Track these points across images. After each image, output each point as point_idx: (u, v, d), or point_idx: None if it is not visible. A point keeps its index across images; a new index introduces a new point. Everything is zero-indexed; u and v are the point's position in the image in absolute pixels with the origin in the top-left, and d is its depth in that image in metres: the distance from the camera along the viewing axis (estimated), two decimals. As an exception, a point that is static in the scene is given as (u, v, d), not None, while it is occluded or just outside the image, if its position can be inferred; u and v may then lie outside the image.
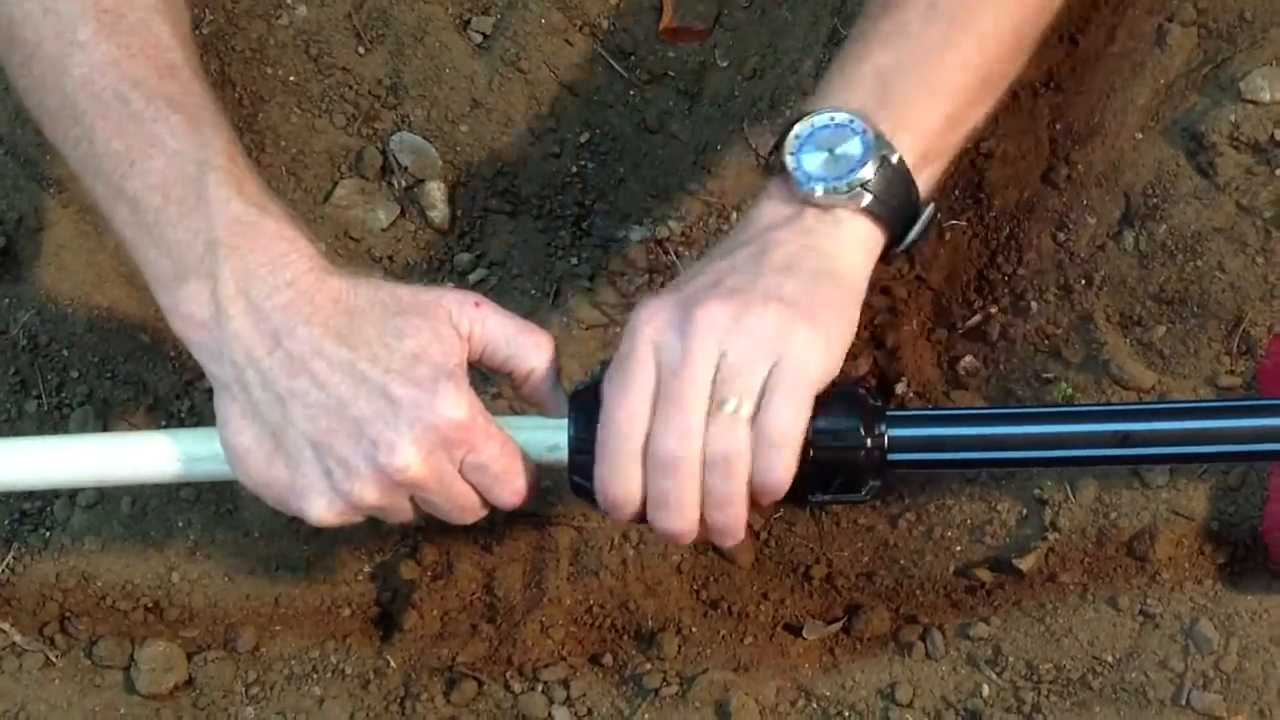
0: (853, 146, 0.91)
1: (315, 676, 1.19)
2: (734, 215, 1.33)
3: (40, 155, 1.33)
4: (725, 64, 1.35)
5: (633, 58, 1.37)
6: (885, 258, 0.96)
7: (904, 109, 0.94)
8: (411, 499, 0.92)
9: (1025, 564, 1.19)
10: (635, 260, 1.34)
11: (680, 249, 1.33)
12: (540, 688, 1.18)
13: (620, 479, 0.89)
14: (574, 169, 1.36)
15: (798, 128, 0.93)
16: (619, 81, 1.36)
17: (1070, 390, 1.23)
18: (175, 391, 1.30)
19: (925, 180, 0.96)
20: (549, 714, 1.17)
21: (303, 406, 0.88)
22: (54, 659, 1.19)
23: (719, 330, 0.86)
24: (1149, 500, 1.18)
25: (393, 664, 1.20)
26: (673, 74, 1.36)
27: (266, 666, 1.20)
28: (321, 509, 0.90)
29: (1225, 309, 1.20)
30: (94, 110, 0.91)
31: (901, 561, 1.24)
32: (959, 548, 1.23)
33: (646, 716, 1.15)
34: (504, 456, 0.92)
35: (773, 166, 0.95)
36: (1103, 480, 1.19)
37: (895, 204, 0.92)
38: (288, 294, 0.88)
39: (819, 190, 0.91)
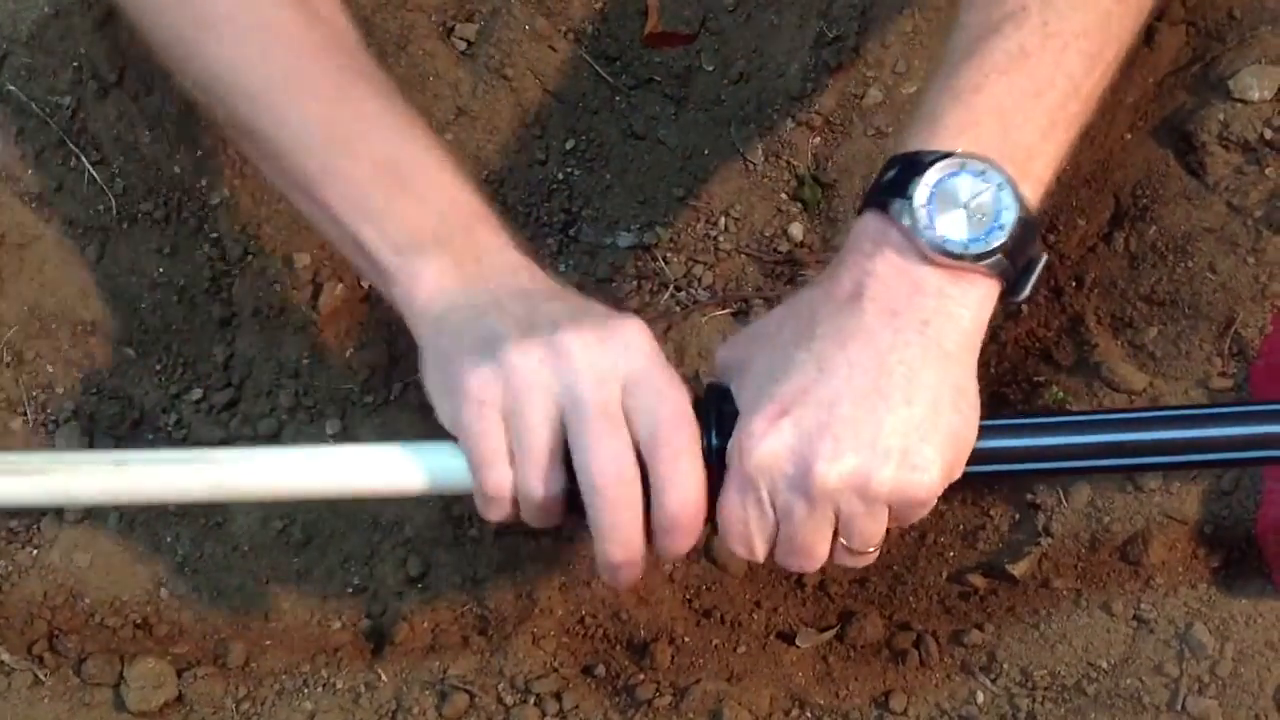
0: (989, 200, 0.83)
1: (306, 691, 1.19)
2: (722, 220, 1.32)
3: (23, 169, 1.32)
4: (711, 68, 1.35)
5: (618, 63, 1.36)
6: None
7: (1026, 154, 0.85)
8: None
9: (1019, 570, 1.19)
10: (624, 267, 1.33)
11: (669, 255, 1.32)
12: (533, 700, 1.17)
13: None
14: (560, 176, 1.35)
15: (928, 176, 0.83)
16: (605, 87, 1.36)
17: (1061, 394, 1.22)
18: (162, 405, 1.30)
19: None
20: (542, 726, 1.17)
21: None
22: (43, 677, 1.18)
23: (839, 495, 0.83)
24: (1142, 504, 1.17)
25: (384, 677, 1.19)
26: (659, 79, 1.35)
27: (257, 682, 1.19)
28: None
29: (1217, 310, 1.19)
30: (303, 93, 0.92)
31: (894, 568, 1.24)
32: (952, 554, 1.23)
33: (640, 728, 1.15)
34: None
35: (888, 209, 0.84)
36: (1095, 484, 1.19)
37: (1020, 259, 0.85)
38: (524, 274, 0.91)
39: (953, 254, 0.83)
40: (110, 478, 0.91)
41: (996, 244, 0.83)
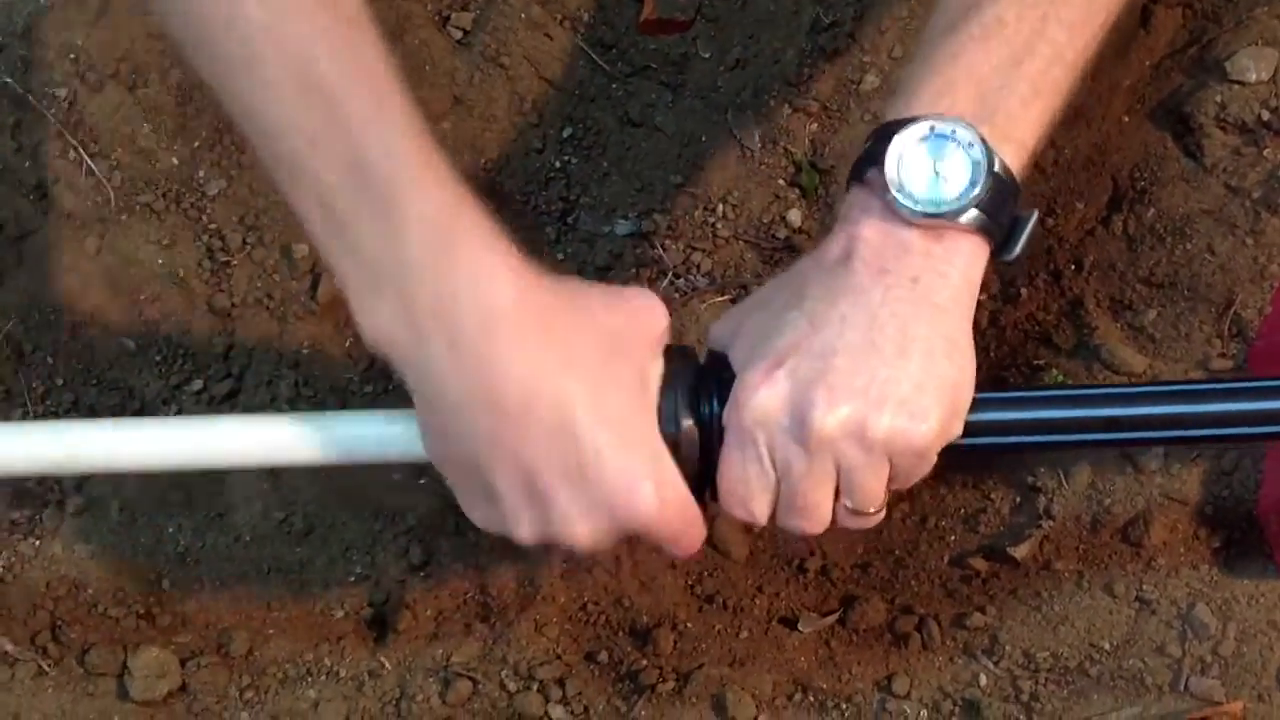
0: (960, 161, 0.84)
1: (310, 679, 1.19)
2: (720, 207, 1.32)
3: (19, 161, 1.32)
4: (708, 55, 1.35)
5: (614, 50, 1.36)
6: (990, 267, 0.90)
7: (1006, 116, 0.86)
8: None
9: (1020, 552, 1.19)
10: (622, 255, 1.33)
11: (667, 242, 1.32)
12: (536, 686, 1.17)
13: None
14: (557, 164, 1.35)
15: (897, 142, 0.84)
16: (601, 75, 1.35)
17: (1061, 377, 1.23)
18: (162, 397, 1.30)
19: (1023, 185, 0.88)
20: (545, 713, 1.16)
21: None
22: (46, 668, 1.18)
23: (837, 444, 0.83)
24: (1143, 485, 1.18)
25: (387, 665, 1.19)
26: (655, 66, 1.35)
27: (260, 670, 1.19)
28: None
29: (1216, 291, 1.19)
30: (276, 64, 0.80)
31: (896, 552, 1.24)
32: (953, 537, 1.23)
33: (643, 714, 1.15)
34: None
35: (866, 180, 0.86)
36: (1096, 466, 1.19)
37: (1003, 218, 0.86)
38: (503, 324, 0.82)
39: (928, 213, 0.84)
40: (103, 442, 0.91)
41: (970, 200, 0.84)
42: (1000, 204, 0.85)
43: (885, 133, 0.85)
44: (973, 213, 0.84)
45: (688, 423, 0.86)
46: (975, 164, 0.84)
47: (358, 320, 0.83)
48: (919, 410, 0.83)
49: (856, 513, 0.87)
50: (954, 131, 0.84)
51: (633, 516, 0.84)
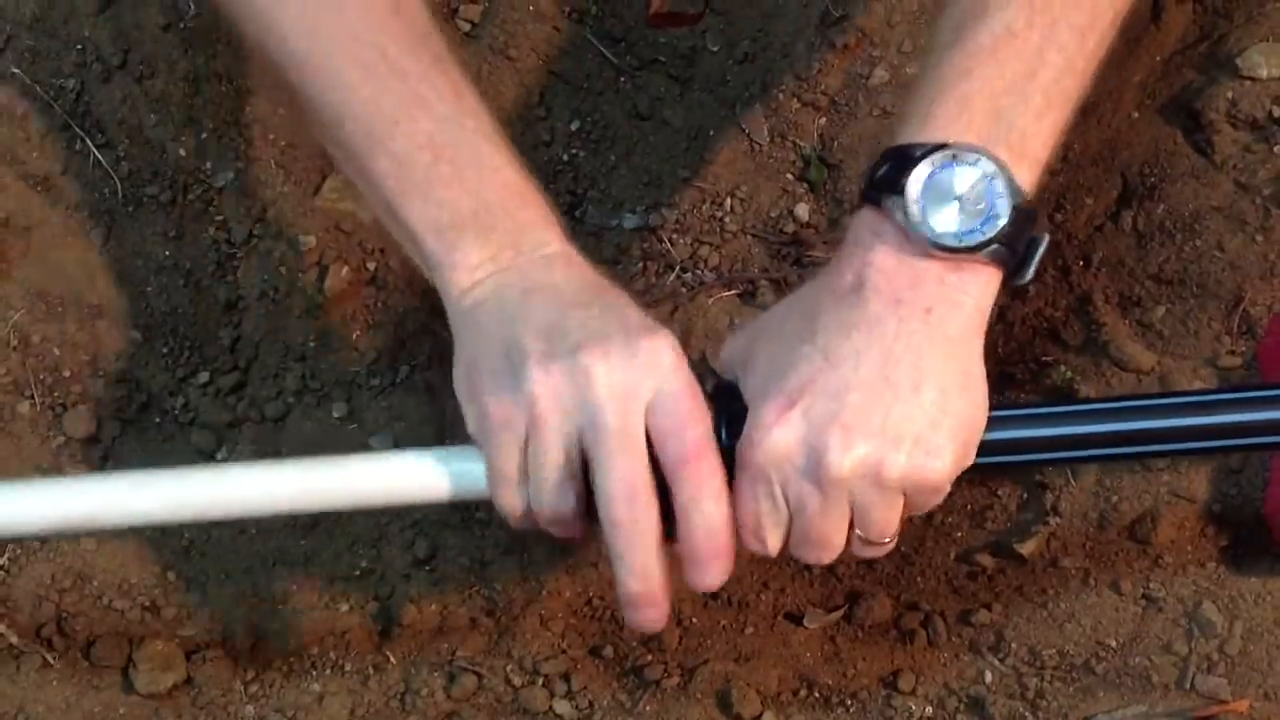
0: (982, 191, 0.81)
1: (314, 673, 1.19)
2: (727, 201, 1.32)
3: (27, 152, 1.32)
4: (716, 48, 1.34)
5: (623, 44, 1.35)
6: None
7: (1021, 136, 0.83)
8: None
9: (1027, 549, 1.19)
10: (629, 248, 1.33)
11: (674, 236, 1.32)
12: (541, 681, 1.17)
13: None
14: (565, 157, 1.35)
15: (916, 173, 0.82)
16: (609, 68, 1.35)
17: (1069, 373, 1.22)
18: (169, 389, 1.30)
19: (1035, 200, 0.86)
20: (550, 707, 1.16)
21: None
22: (51, 660, 1.18)
23: (852, 484, 0.82)
24: (1150, 483, 1.17)
25: (392, 659, 1.19)
26: (664, 59, 1.35)
27: (265, 664, 1.19)
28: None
29: (1225, 288, 1.19)
30: (352, 63, 0.89)
31: (902, 548, 1.23)
32: (960, 533, 1.22)
33: (648, 709, 1.15)
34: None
35: (883, 206, 0.83)
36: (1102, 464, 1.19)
37: (1019, 246, 0.83)
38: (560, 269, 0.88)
39: (949, 247, 0.81)
40: (130, 500, 0.90)
41: (993, 234, 0.82)
42: (1019, 233, 0.83)
43: (902, 159, 0.83)
44: (994, 245, 0.82)
45: None
46: (998, 196, 0.82)
47: (434, 255, 0.88)
48: (934, 448, 0.82)
49: (870, 543, 0.86)
50: (976, 161, 0.82)
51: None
